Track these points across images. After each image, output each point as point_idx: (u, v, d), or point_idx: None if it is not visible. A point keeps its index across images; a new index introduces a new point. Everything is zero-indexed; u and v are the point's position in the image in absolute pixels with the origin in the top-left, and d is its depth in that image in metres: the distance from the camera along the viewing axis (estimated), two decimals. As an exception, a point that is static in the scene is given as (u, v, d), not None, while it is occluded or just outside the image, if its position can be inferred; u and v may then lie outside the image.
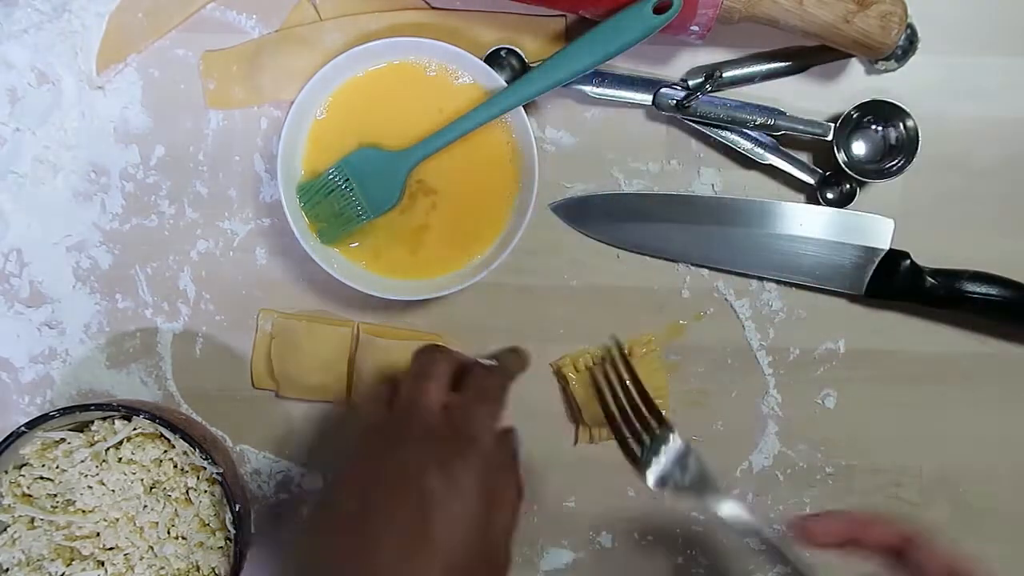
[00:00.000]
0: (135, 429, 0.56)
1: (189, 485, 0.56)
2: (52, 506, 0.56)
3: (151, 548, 0.56)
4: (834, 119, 0.58)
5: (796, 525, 0.47)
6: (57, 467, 0.56)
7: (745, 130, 0.59)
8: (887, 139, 0.59)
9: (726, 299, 0.61)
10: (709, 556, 0.62)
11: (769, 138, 0.59)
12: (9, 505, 0.55)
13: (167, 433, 0.55)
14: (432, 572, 0.41)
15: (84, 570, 0.55)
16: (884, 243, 0.58)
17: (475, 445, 0.45)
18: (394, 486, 0.43)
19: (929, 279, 0.58)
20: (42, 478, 0.56)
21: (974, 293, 0.58)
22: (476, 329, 0.61)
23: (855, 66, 0.60)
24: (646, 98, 0.59)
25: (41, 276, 0.60)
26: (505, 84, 0.55)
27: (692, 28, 0.53)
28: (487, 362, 0.51)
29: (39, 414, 0.54)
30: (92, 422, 0.56)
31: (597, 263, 0.61)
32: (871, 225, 0.59)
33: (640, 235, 0.60)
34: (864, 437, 0.61)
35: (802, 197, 0.60)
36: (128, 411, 0.55)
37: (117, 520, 0.56)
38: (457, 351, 0.51)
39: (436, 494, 0.43)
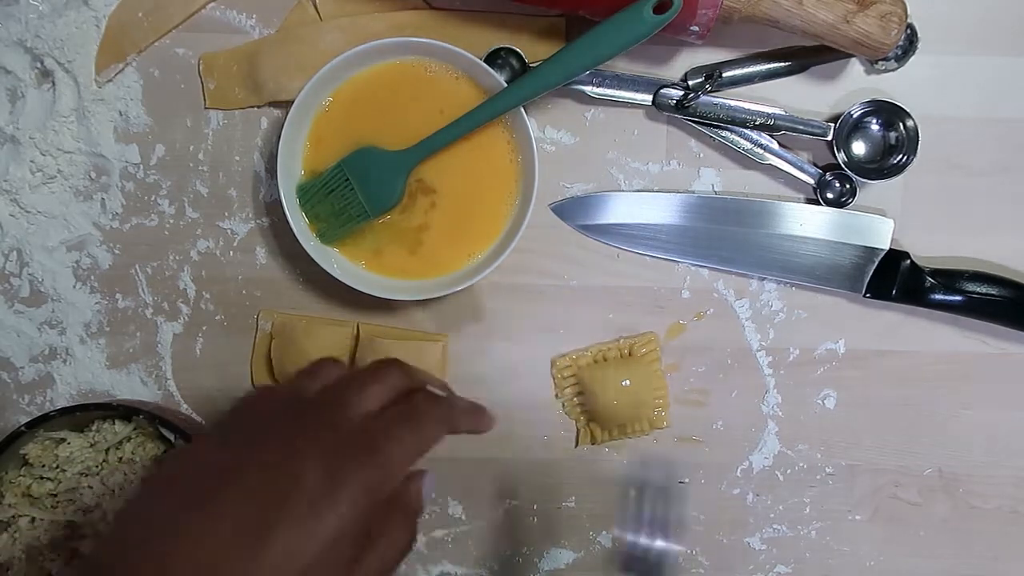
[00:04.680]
0: (135, 429, 0.56)
1: (189, 485, 0.56)
2: (53, 505, 0.56)
3: (151, 548, 0.56)
4: (834, 119, 0.58)
5: None
6: (57, 467, 0.56)
7: (745, 130, 0.59)
8: (887, 139, 0.59)
9: (726, 299, 0.61)
10: (709, 556, 0.62)
11: (769, 138, 0.59)
12: (10, 504, 0.55)
13: (167, 433, 0.55)
14: (256, 569, 0.34)
15: (84, 570, 0.55)
16: (884, 243, 0.58)
17: (378, 463, 0.38)
18: (269, 460, 0.37)
19: (929, 279, 0.58)
20: (42, 478, 0.56)
21: (974, 293, 0.58)
22: (476, 329, 0.61)
23: (855, 66, 0.60)
24: (646, 98, 0.59)
25: (41, 276, 0.60)
26: (505, 84, 0.55)
27: (692, 28, 0.53)
28: (441, 393, 0.45)
29: (39, 414, 0.54)
30: (92, 422, 0.56)
31: (597, 263, 0.61)
32: (871, 225, 0.59)
33: (640, 235, 0.60)
34: (864, 437, 0.61)
35: (802, 197, 0.60)
36: (128, 411, 0.55)
37: (117, 520, 0.56)
38: (424, 375, 0.45)
39: (307, 488, 0.36)
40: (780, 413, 0.61)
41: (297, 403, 0.41)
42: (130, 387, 0.61)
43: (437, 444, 0.41)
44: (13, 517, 0.55)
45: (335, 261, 0.58)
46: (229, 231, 0.61)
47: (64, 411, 0.54)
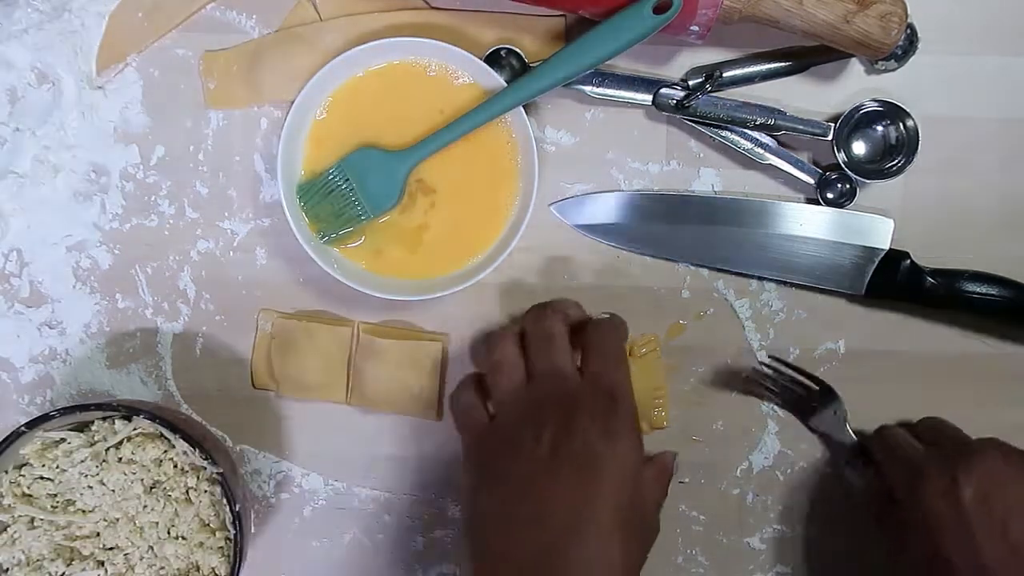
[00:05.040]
0: (135, 429, 0.56)
1: (189, 485, 0.56)
2: (52, 506, 0.56)
3: (151, 548, 0.56)
4: (834, 119, 0.58)
5: None
6: (57, 467, 0.56)
7: (745, 130, 0.59)
8: (887, 139, 0.59)
9: (726, 299, 0.61)
10: (709, 556, 0.62)
11: (769, 138, 0.59)
12: (9, 505, 0.55)
13: (167, 433, 0.55)
14: (604, 520, 0.45)
15: (84, 570, 0.55)
16: (884, 243, 0.58)
17: (622, 401, 0.49)
18: (557, 448, 0.47)
19: (929, 279, 0.58)
20: (42, 478, 0.56)
21: (974, 293, 0.58)
22: (476, 329, 0.61)
23: (855, 66, 0.60)
24: (646, 98, 0.59)
25: (41, 276, 0.60)
26: (505, 84, 0.55)
27: (692, 28, 0.53)
28: (602, 315, 0.54)
29: (39, 414, 0.54)
30: (92, 422, 0.56)
31: (597, 263, 0.61)
32: (871, 225, 0.59)
33: (640, 235, 0.60)
34: (864, 437, 0.61)
35: (802, 197, 0.60)
36: (128, 411, 0.55)
37: (117, 520, 0.56)
38: (565, 304, 0.55)
39: (598, 449, 0.47)
40: (780, 413, 0.61)
41: (534, 396, 0.50)
42: (130, 387, 0.61)
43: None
44: (12, 518, 0.55)
45: (335, 261, 0.58)
46: (229, 231, 0.61)
47: (64, 411, 0.54)
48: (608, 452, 0.47)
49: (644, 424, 0.60)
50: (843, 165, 0.58)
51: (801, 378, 0.59)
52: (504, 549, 0.47)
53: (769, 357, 0.60)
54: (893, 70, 0.59)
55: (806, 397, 0.60)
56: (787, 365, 0.59)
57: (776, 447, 0.61)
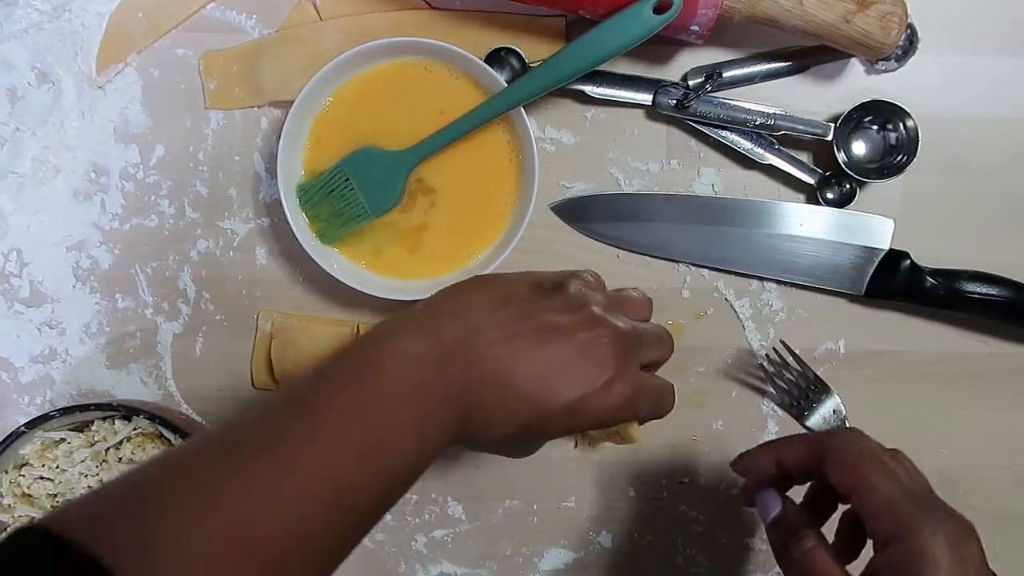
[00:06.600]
0: (135, 429, 0.56)
1: (189, 485, 0.56)
2: (52, 506, 0.56)
3: (151, 548, 0.56)
4: (834, 119, 0.58)
5: (736, 464, 0.52)
6: (57, 467, 0.56)
7: (745, 130, 0.59)
8: (887, 139, 0.59)
9: (726, 299, 0.61)
10: (709, 556, 0.62)
11: (769, 138, 0.59)
12: (9, 505, 0.55)
13: (167, 433, 0.55)
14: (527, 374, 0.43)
15: (84, 570, 0.55)
16: (884, 243, 0.58)
17: (643, 360, 0.46)
18: (586, 330, 0.45)
19: (929, 279, 0.58)
20: (42, 478, 0.56)
21: (974, 293, 0.58)
22: (476, 329, 0.61)
23: (855, 66, 0.60)
24: (646, 98, 0.59)
25: (41, 276, 0.60)
26: (505, 84, 0.55)
27: (692, 28, 0.53)
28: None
29: (39, 414, 0.54)
30: (92, 422, 0.56)
31: (597, 263, 0.61)
32: (871, 225, 0.59)
33: (640, 235, 0.60)
34: (864, 437, 0.61)
35: (802, 197, 0.60)
36: (128, 411, 0.55)
37: (117, 520, 0.56)
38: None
39: (608, 361, 0.44)
40: (780, 413, 0.61)
41: (587, 301, 0.48)
42: (130, 387, 0.61)
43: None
44: (12, 518, 0.55)
45: (335, 261, 0.58)
46: (229, 231, 0.61)
47: (64, 411, 0.54)
48: (613, 376, 0.45)
49: (616, 437, 0.59)
50: (843, 165, 0.58)
51: (806, 371, 0.60)
52: (458, 311, 0.46)
53: (780, 342, 0.60)
54: (893, 70, 0.59)
55: (807, 395, 0.60)
56: (795, 356, 0.60)
57: (776, 447, 0.61)
